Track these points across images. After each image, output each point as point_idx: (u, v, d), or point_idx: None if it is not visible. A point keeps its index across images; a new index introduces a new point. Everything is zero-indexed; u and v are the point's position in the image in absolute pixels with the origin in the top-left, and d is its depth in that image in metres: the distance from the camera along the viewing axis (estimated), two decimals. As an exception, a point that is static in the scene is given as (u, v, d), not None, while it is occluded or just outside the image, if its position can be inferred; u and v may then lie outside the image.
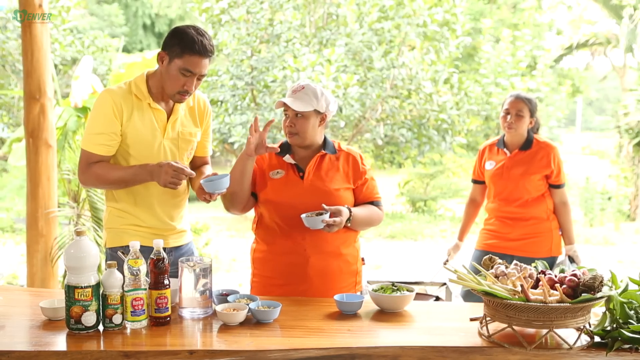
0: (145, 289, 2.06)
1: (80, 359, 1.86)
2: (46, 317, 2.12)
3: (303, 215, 2.41)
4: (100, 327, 2.02)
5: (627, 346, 1.92)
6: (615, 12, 14.52)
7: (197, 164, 2.75)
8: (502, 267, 2.07)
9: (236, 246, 8.72)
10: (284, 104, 2.53)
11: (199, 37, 2.37)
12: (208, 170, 2.73)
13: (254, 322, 2.13)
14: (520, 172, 3.57)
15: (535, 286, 2.01)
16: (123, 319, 2.04)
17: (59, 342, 1.96)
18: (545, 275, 2.03)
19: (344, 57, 8.47)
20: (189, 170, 2.39)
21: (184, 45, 2.36)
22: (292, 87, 2.57)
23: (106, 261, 2.65)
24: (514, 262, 2.11)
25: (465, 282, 2.01)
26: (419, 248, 9.29)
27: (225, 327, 2.09)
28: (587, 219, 11.47)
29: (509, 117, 3.54)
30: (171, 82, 2.42)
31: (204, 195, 2.47)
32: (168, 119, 2.55)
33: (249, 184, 2.55)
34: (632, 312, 1.96)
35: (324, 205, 2.44)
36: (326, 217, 2.39)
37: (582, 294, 1.89)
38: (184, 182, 2.65)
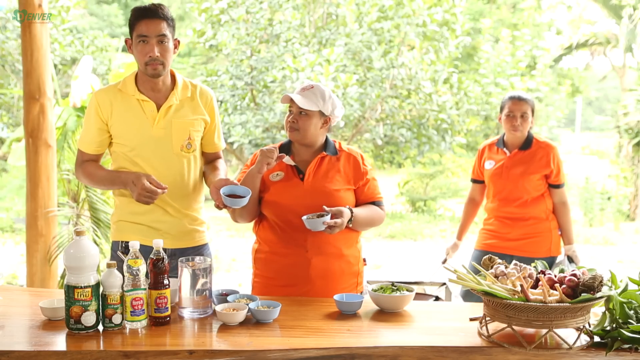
0: (145, 289, 2.06)
1: (80, 359, 1.86)
2: (46, 317, 2.12)
3: (304, 217, 2.40)
4: (100, 327, 2.02)
5: (626, 346, 1.92)
6: (614, 12, 14.53)
7: (209, 159, 2.77)
8: (502, 267, 2.07)
9: (236, 246, 8.72)
10: (290, 100, 2.53)
11: (145, 6, 2.52)
12: (221, 165, 2.73)
13: (253, 322, 2.13)
14: (520, 171, 3.57)
15: (534, 286, 2.00)
16: (123, 319, 2.04)
17: (59, 342, 1.96)
18: (544, 275, 2.03)
19: (344, 57, 8.47)
20: (162, 188, 2.41)
21: (133, 17, 2.52)
22: (302, 85, 2.59)
23: (111, 254, 2.68)
24: (514, 262, 2.11)
25: (465, 282, 2.01)
26: (418, 248, 9.28)
27: (225, 327, 2.09)
28: (587, 219, 11.47)
29: (515, 119, 3.52)
30: (138, 58, 2.52)
31: (218, 203, 2.47)
32: (159, 110, 2.59)
33: (257, 196, 2.57)
34: (631, 312, 1.96)
35: (324, 207, 2.42)
36: (327, 218, 2.38)
37: (582, 294, 1.89)
38: (198, 178, 2.69)
